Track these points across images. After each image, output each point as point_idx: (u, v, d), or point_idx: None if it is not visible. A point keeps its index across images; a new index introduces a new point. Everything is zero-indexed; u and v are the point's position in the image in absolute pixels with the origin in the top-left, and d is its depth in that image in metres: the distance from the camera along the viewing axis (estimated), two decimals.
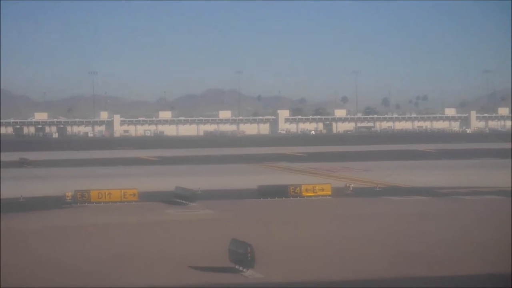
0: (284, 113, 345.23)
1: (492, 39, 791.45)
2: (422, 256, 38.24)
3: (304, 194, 67.62)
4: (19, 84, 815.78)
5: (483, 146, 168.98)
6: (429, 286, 32.59)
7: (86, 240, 44.57)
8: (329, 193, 67.98)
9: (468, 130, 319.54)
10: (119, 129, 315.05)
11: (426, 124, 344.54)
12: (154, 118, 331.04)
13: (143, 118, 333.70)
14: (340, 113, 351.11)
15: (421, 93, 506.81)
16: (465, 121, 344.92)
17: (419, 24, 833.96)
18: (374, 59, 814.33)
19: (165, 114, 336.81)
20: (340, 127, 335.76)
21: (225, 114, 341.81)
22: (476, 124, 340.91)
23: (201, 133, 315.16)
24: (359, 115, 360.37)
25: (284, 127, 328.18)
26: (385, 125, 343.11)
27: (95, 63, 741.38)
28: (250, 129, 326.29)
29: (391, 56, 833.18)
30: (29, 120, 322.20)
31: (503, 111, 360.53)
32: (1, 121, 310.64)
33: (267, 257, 37.07)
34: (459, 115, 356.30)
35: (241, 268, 33.29)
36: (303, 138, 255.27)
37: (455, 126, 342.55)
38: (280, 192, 67.52)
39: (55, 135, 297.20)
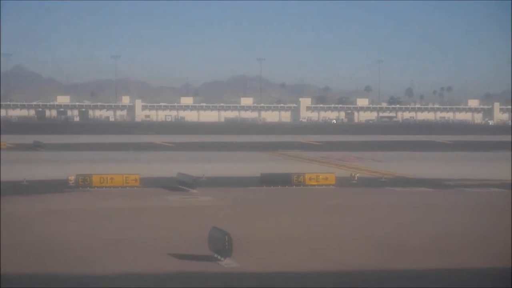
0: (306, 101, 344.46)
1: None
2: (408, 248, 37.70)
3: (308, 183, 67.11)
4: (47, 67, 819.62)
5: (502, 138, 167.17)
6: (411, 276, 32.06)
7: (75, 224, 44.41)
8: (333, 182, 67.41)
9: (491, 122, 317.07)
10: (140, 114, 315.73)
11: (448, 115, 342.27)
12: (175, 104, 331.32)
13: (165, 104, 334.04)
14: (362, 102, 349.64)
15: (446, 84, 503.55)
16: (488, 112, 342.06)
17: (446, 15, 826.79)
18: (399, 49, 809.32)
19: (187, 100, 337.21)
20: (362, 117, 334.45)
21: (246, 101, 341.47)
22: (500, 116, 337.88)
23: (222, 120, 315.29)
24: (383, 104, 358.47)
25: (306, 115, 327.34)
26: (407, 115, 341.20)
27: (123, 47, 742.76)
28: (271, 116, 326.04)
29: (416, 46, 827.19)
30: (51, 103, 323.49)
31: None
32: (25, 103, 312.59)
33: (251, 246, 36.71)
34: (482, 106, 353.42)
35: (219, 257, 32.92)
36: (323, 127, 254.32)
37: (478, 117, 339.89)
38: (283, 180, 67.06)
39: (77, 119, 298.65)
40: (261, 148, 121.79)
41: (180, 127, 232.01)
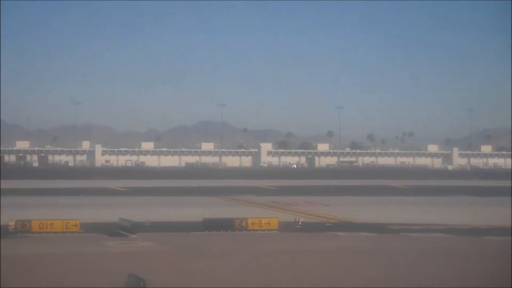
0: (267, 146, 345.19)
1: (478, 79, 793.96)
2: None
3: (250, 227, 67.12)
4: (12, 112, 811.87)
5: (458, 183, 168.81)
6: None
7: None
8: (276, 227, 67.48)
9: (450, 167, 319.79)
10: (100, 159, 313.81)
11: (409, 160, 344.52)
12: (136, 149, 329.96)
13: (126, 149, 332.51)
14: (323, 147, 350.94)
15: (407, 129, 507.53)
16: (448, 157, 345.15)
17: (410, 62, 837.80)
18: (360, 95, 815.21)
19: (148, 145, 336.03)
20: (323, 161, 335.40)
21: (207, 146, 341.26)
22: (459, 161, 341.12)
23: (183, 165, 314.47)
24: (346, 149, 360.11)
25: (267, 160, 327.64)
26: (367, 160, 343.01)
27: (88, 93, 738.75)
28: (232, 161, 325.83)
29: (377, 92, 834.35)
30: (10, 148, 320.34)
31: (486, 148, 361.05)
32: None
33: None
34: (441, 151, 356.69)
35: None
36: (282, 172, 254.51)
37: (438, 162, 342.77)
38: (225, 225, 66.99)
39: (35, 164, 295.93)
40: (215, 193, 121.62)
41: (139, 172, 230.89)
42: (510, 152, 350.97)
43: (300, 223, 71.48)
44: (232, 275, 43.62)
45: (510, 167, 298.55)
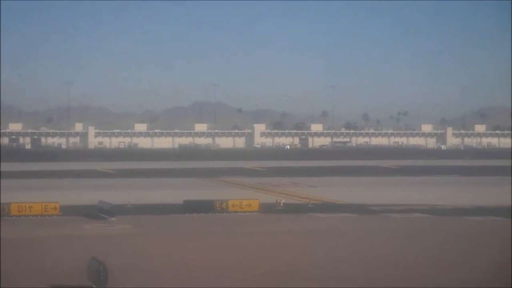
0: (260, 127, 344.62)
1: (472, 57, 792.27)
2: (287, 274, 37.51)
3: (231, 209, 66.85)
4: (7, 94, 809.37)
5: (449, 163, 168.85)
6: None
7: None
8: (256, 208, 67.25)
9: (443, 147, 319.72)
10: (93, 141, 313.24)
11: (402, 140, 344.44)
12: (129, 130, 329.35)
13: (119, 130, 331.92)
14: (316, 127, 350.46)
15: (402, 109, 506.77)
16: (442, 137, 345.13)
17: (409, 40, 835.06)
18: (355, 74, 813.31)
19: (141, 127, 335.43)
20: (317, 142, 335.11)
21: (201, 127, 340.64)
22: (452, 140, 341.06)
23: (176, 146, 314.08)
24: (341, 129, 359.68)
25: (260, 141, 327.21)
26: (361, 140, 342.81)
27: (84, 73, 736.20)
28: (226, 142, 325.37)
29: (372, 71, 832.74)
30: (3, 130, 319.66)
31: (480, 128, 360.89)
32: None
33: (138, 275, 36.23)
34: (435, 131, 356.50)
35: (94, 287, 32.35)
36: (275, 153, 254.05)
37: (432, 142, 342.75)
38: (206, 207, 66.69)
39: (28, 146, 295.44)
40: (203, 174, 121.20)
41: (131, 154, 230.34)
42: (504, 131, 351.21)
43: (281, 205, 71.23)
44: (199, 257, 43.37)
45: (508, 146, 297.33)
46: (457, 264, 41.60)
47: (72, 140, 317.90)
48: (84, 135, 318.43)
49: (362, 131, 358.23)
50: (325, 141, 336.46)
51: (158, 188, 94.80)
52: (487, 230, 56.52)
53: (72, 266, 38.96)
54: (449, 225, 59.69)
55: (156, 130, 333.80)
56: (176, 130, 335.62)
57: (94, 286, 32.50)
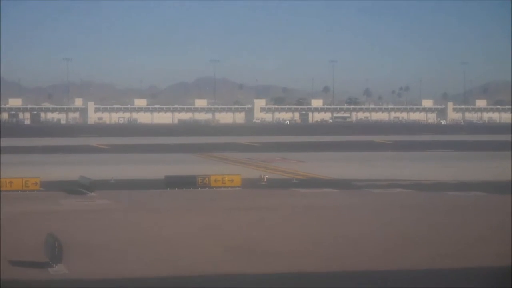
0: (260, 102, 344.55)
1: (477, 31, 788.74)
2: (251, 250, 37.45)
3: (213, 185, 66.66)
4: (11, 70, 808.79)
5: (447, 138, 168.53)
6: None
7: None
8: (239, 184, 67.06)
9: (443, 122, 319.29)
10: (93, 116, 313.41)
11: (403, 115, 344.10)
12: (129, 106, 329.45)
13: (118, 106, 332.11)
14: (316, 103, 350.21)
15: (404, 84, 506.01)
16: (442, 112, 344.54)
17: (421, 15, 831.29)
18: (356, 49, 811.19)
19: (141, 102, 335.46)
20: (317, 117, 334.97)
21: (201, 102, 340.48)
22: (453, 115, 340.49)
23: (176, 121, 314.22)
24: (344, 105, 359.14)
25: (260, 116, 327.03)
26: (361, 115, 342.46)
27: (84, 49, 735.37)
28: (226, 118, 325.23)
29: (375, 46, 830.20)
30: (3, 106, 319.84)
31: (481, 103, 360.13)
32: None
33: (98, 252, 36.20)
34: (436, 106, 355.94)
35: (51, 263, 32.31)
36: (274, 128, 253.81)
37: (432, 117, 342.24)
38: (187, 182, 66.54)
39: (27, 122, 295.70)
40: (196, 150, 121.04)
41: (129, 129, 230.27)
42: (505, 106, 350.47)
43: (265, 180, 71.11)
44: (169, 232, 43.30)
45: (508, 121, 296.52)
46: (426, 239, 41.49)
47: (72, 115, 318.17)
48: (83, 111, 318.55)
49: (363, 106, 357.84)
50: (325, 116, 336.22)
51: (146, 163, 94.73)
52: (463, 205, 56.33)
53: (36, 242, 38.85)
54: (425, 201, 59.42)
55: (156, 106, 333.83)
56: (176, 106, 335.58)
57: (50, 263, 32.45)
